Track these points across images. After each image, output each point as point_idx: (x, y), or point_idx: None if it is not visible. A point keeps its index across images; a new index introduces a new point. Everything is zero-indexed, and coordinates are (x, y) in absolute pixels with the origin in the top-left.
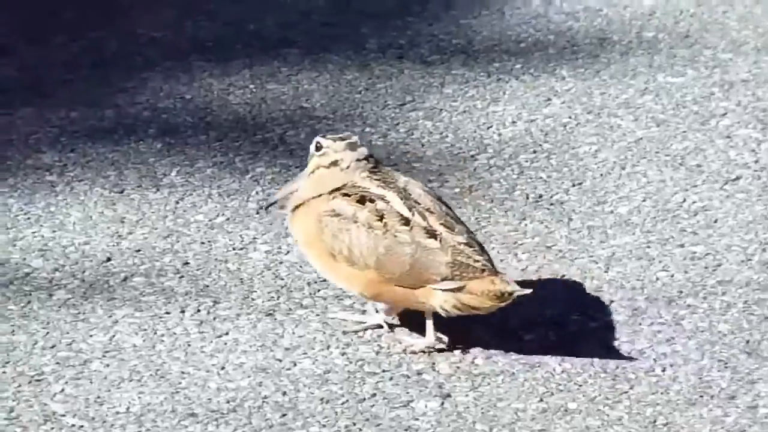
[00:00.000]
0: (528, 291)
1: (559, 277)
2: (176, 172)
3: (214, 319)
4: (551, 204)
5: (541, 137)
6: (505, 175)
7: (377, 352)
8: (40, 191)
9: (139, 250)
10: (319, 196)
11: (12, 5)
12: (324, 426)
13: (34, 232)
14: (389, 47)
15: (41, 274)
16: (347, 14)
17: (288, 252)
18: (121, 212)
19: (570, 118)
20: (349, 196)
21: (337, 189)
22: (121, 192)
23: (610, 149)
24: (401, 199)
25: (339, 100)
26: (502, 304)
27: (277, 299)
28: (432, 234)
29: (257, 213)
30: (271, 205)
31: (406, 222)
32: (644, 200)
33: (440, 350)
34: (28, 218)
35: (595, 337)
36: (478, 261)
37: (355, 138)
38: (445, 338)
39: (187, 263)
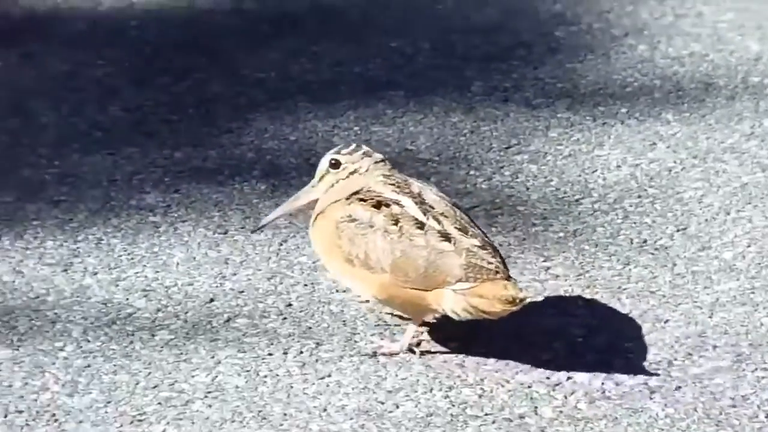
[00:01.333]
0: (539, 298)
1: (663, 323)
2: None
3: (317, 360)
4: (655, 249)
5: (645, 182)
6: (609, 219)
7: (480, 396)
8: (144, 232)
9: (242, 292)
10: (336, 202)
11: (118, 46)
12: None
13: (137, 273)
14: (494, 90)
15: (144, 314)
16: (452, 57)
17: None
18: (224, 253)
19: (675, 162)
20: (365, 201)
21: (354, 194)
22: (225, 233)
23: (715, 194)
24: (416, 203)
25: (444, 143)
26: (513, 309)
27: (381, 341)
28: (446, 237)
29: (251, 233)
30: (263, 226)
31: (421, 226)
32: (749, 246)
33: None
34: (132, 258)
35: (698, 382)
36: (491, 263)
37: (365, 147)
38: (417, 351)
39: (290, 305)
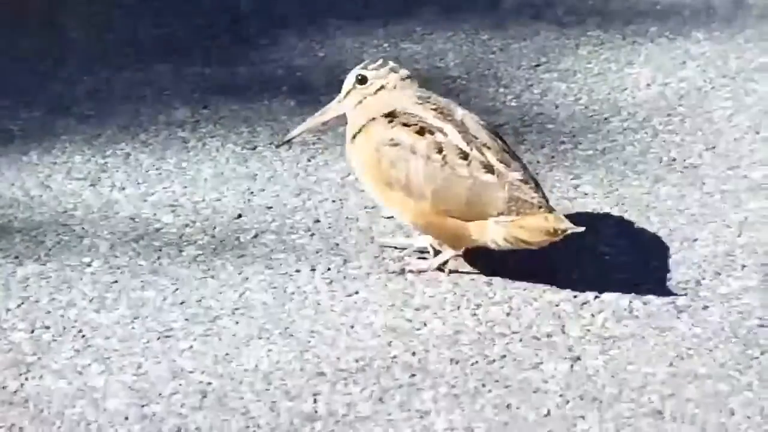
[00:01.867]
0: (581, 229)
1: (691, 242)
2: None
3: (345, 277)
4: (684, 167)
5: (675, 100)
6: (638, 138)
7: (507, 314)
8: (172, 147)
9: (270, 207)
10: (375, 120)
11: None
12: (453, 387)
13: (165, 188)
14: (524, 7)
15: (171, 230)
16: None
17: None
18: (252, 169)
19: (705, 81)
20: (408, 126)
21: (393, 115)
22: (254, 149)
23: (744, 113)
24: (459, 132)
25: (473, 60)
26: (554, 239)
27: (408, 258)
28: (489, 169)
29: (276, 147)
30: (288, 141)
31: (465, 156)
32: None
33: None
34: (160, 174)
35: (726, 302)
36: (534, 197)
37: (392, 62)
38: (446, 268)
39: (318, 221)
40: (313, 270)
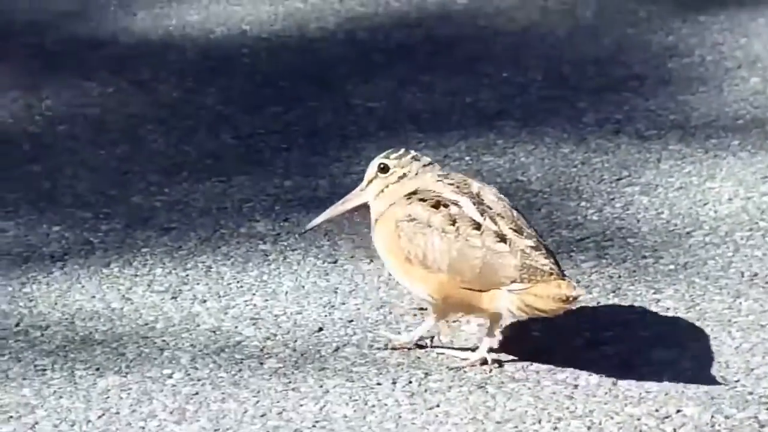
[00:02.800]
0: (591, 295)
1: None
2: None
3: (426, 390)
4: (766, 282)
5: (757, 215)
6: (720, 252)
7: (588, 428)
8: (254, 260)
9: (351, 321)
10: (396, 202)
11: (229, 74)
12: None
13: (246, 301)
14: (606, 122)
15: (253, 342)
16: (564, 88)
17: (501, 326)
18: (334, 282)
19: None
20: (425, 201)
21: (413, 193)
22: (335, 262)
23: None
24: (474, 204)
25: (555, 174)
26: (567, 307)
27: (489, 372)
28: (502, 238)
29: (299, 236)
30: (311, 229)
31: (478, 226)
32: None
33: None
34: (241, 287)
35: None
36: (545, 264)
37: (413, 151)
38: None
39: (399, 334)
40: (394, 383)
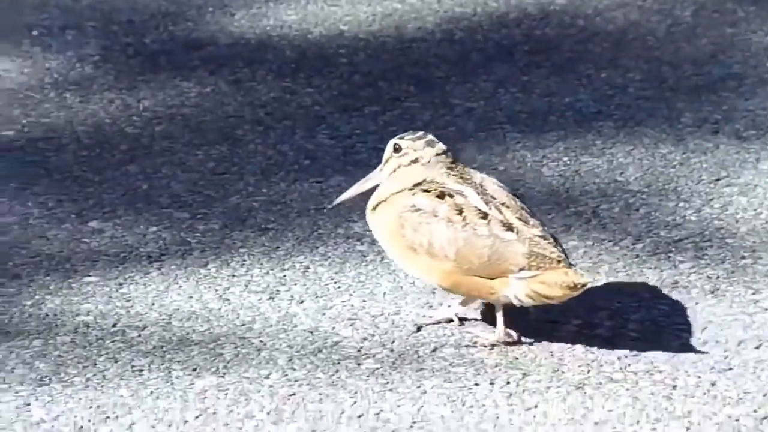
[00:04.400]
0: (599, 282)
1: None
2: None
3: (524, 391)
4: None
5: None
6: None
7: (687, 429)
8: (351, 260)
9: (449, 321)
10: (400, 191)
11: (327, 75)
12: None
13: (343, 302)
14: (704, 122)
15: (350, 343)
16: (662, 89)
17: (599, 326)
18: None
19: None
20: (429, 191)
21: (417, 184)
22: None
23: None
24: (478, 194)
25: (653, 174)
26: (574, 294)
27: (587, 373)
28: (509, 227)
29: (326, 210)
30: (337, 205)
31: (484, 216)
32: None
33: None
34: (338, 287)
35: None
36: (553, 252)
37: (430, 135)
38: (514, 334)
39: (503, 343)
40: (492, 384)
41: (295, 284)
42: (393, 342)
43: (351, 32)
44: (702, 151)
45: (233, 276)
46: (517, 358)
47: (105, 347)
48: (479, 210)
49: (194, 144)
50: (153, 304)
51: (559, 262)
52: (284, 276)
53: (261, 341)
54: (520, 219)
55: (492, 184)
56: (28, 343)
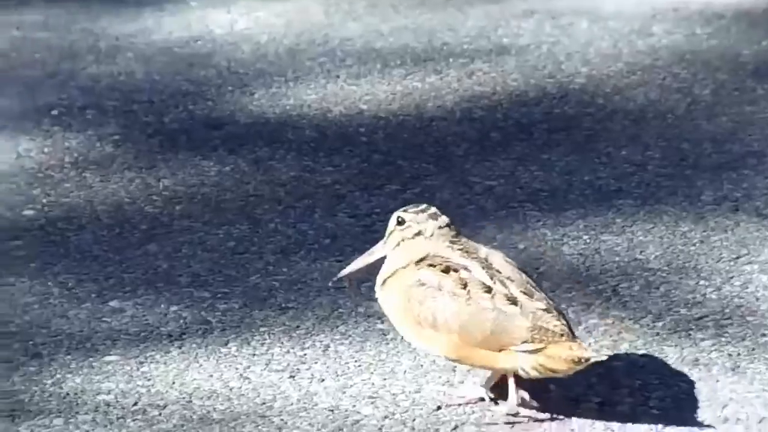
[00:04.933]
0: (604, 357)
1: None
2: None
3: None
4: None
5: None
6: None
7: None
8: (371, 339)
9: (481, 399)
10: (406, 266)
11: (347, 154)
12: None
13: (364, 380)
14: (724, 200)
15: (371, 421)
16: (682, 166)
17: (620, 403)
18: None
19: None
20: (435, 266)
21: (423, 259)
22: None
23: None
24: (483, 268)
25: (673, 252)
26: (579, 368)
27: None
28: (513, 301)
29: (329, 286)
30: (341, 278)
31: (488, 290)
32: None
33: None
34: (359, 365)
35: None
36: (557, 326)
37: (433, 209)
38: (527, 397)
39: (518, 413)
40: None
41: (316, 363)
42: (414, 420)
43: (371, 111)
44: (722, 229)
45: (254, 355)
46: None
47: (126, 426)
48: (483, 284)
49: (214, 223)
50: (174, 382)
51: (561, 335)
52: (305, 355)
53: (282, 420)
54: (524, 293)
55: (498, 259)
56: (48, 422)
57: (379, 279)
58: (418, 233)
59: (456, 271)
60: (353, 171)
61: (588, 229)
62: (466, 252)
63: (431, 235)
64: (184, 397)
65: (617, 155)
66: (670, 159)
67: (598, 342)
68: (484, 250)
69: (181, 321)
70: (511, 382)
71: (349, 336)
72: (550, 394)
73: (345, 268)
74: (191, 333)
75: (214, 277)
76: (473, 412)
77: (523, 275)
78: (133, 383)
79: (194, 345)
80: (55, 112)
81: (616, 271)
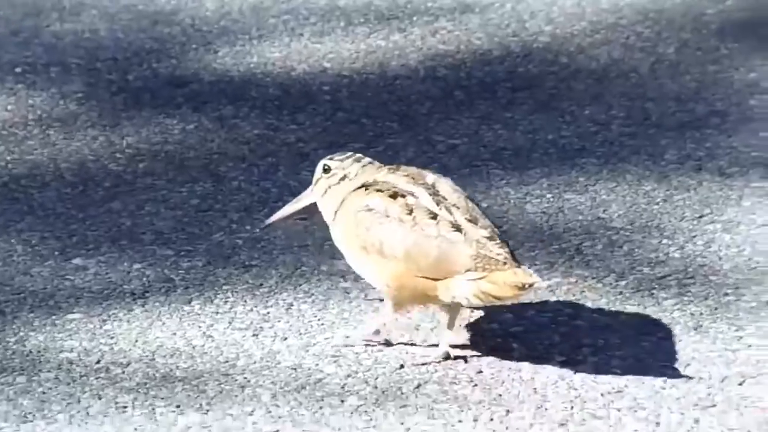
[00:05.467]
0: (547, 283)
1: None
2: None
3: (507, 428)
4: None
5: None
6: None
7: None
8: (334, 297)
9: (446, 358)
10: (354, 191)
11: (311, 112)
12: None
13: (327, 338)
14: (688, 159)
15: (334, 380)
16: (645, 125)
17: (583, 362)
18: (415, 320)
19: None
20: (382, 191)
21: (371, 185)
22: None
23: None
24: (430, 195)
25: (636, 211)
26: (522, 294)
27: (571, 410)
28: (457, 228)
29: (259, 230)
30: (268, 226)
31: (434, 216)
32: None
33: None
34: (322, 324)
35: None
36: (500, 254)
37: (359, 155)
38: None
39: (480, 371)
40: (476, 420)
41: (279, 321)
42: (377, 379)
43: (334, 69)
44: (685, 189)
45: (217, 313)
46: (500, 395)
47: (89, 384)
48: (429, 210)
49: (178, 181)
50: (136, 341)
51: (504, 263)
52: (268, 313)
53: (245, 378)
54: (469, 220)
55: (445, 186)
56: (11, 379)
57: (326, 218)
58: (343, 177)
59: (403, 197)
60: (317, 129)
61: (551, 187)
62: (413, 179)
63: (355, 175)
64: (147, 355)
65: (581, 114)
66: (633, 118)
67: (560, 301)
68: (431, 177)
69: (144, 279)
70: (446, 333)
71: (312, 294)
72: (513, 353)
73: (270, 218)
74: (154, 291)
75: (177, 234)
76: (436, 370)
77: (470, 202)
78: (96, 341)
79: (157, 303)
80: (18, 70)
81: (579, 230)
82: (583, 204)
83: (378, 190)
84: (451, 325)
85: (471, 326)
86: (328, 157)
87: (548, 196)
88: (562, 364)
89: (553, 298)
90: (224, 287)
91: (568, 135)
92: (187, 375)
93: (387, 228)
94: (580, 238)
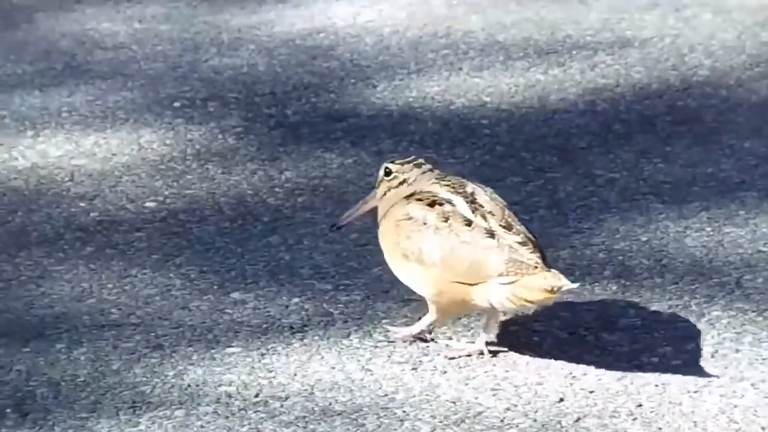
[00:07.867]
0: (576, 285)
1: None
2: (632, 314)
3: None
4: None
5: None
6: None
7: None
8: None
9: (592, 391)
10: (397, 203)
11: (469, 146)
12: None
13: (486, 372)
14: None
15: (493, 413)
16: None
17: (743, 396)
18: (574, 353)
19: None
20: (421, 200)
21: (411, 195)
22: (572, 333)
23: None
24: (467, 202)
25: None
26: (553, 297)
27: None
28: (491, 234)
29: (330, 231)
30: (339, 227)
31: (469, 223)
32: None
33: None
34: (481, 357)
35: None
36: (531, 259)
37: (420, 159)
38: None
39: (640, 405)
40: None
41: (438, 354)
42: (536, 412)
43: (493, 103)
44: None
45: (375, 347)
46: (660, 429)
47: (247, 418)
48: (465, 217)
49: (336, 215)
50: (295, 374)
51: (535, 267)
52: (427, 347)
53: (404, 411)
54: (503, 226)
55: (483, 195)
56: (170, 413)
57: (380, 218)
58: (403, 181)
59: (441, 204)
60: (476, 163)
61: (711, 221)
62: (452, 187)
63: (414, 180)
64: (306, 389)
65: (740, 147)
66: None
67: (721, 335)
68: (471, 186)
69: (303, 313)
70: (483, 334)
71: (472, 328)
72: (671, 386)
73: (340, 219)
74: (313, 325)
75: (336, 269)
76: (595, 404)
77: (506, 210)
78: (255, 375)
79: (316, 337)
80: (177, 105)
81: (740, 263)
82: (743, 237)
83: (418, 200)
84: (487, 329)
85: (633, 358)
86: (390, 159)
87: (708, 229)
88: (722, 397)
89: (713, 332)
90: (383, 321)
91: (728, 168)
92: (346, 409)
93: (425, 235)
94: (741, 271)
